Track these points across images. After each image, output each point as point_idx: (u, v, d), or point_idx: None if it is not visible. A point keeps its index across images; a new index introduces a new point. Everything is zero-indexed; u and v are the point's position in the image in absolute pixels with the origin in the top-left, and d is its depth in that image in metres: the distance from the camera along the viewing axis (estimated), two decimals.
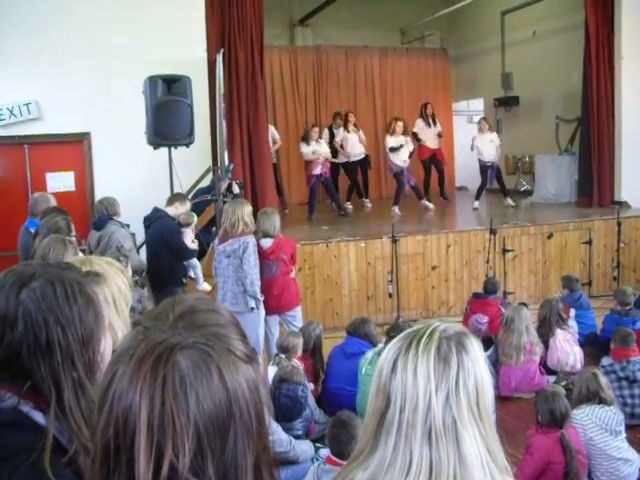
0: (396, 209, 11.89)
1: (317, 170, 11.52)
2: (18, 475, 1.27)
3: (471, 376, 1.43)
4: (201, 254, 7.61)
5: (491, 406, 1.48)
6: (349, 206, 12.88)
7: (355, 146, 12.60)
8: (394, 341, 1.51)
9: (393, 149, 11.74)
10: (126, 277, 2.23)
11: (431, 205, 12.21)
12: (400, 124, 11.92)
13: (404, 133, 11.94)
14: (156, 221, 6.80)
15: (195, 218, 7.31)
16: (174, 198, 7.13)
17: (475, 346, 1.48)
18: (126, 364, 1.01)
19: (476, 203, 12.35)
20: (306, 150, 11.53)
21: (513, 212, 11.87)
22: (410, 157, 12.04)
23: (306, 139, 11.60)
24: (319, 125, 13.36)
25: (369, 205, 13.16)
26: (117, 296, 2.09)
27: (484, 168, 12.20)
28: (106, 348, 1.50)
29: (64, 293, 1.44)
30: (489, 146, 12.06)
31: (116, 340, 1.91)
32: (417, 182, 12.37)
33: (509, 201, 12.37)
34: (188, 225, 7.09)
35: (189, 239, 7.10)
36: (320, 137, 11.97)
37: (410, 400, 1.41)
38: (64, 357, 1.40)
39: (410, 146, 12.00)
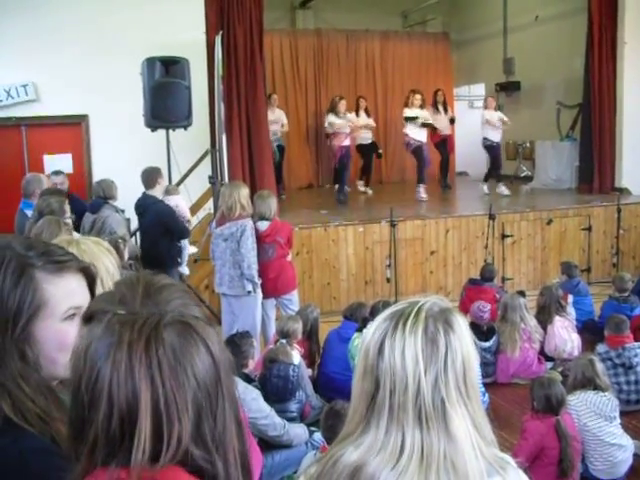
0: (421, 189, 11.40)
1: (346, 141, 11.45)
2: None
3: (458, 355, 1.42)
4: None
5: (477, 379, 1.48)
6: (369, 190, 12.82)
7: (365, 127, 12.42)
8: (379, 321, 1.48)
9: (408, 118, 11.38)
10: (114, 256, 2.21)
11: (424, 195, 11.47)
12: (418, 97, 11.58)
13: (421, 106, 11.62)
14: (151, 207, 6.78)
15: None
16: (152, 176, 7.06)
17: (461, 323, 1.47)
18: (117, 354, 1.01)
19: (504, 189, 11.93)
20: (337, 121, 11.35)
21: (513, 198, 11.80)
22: (426, 128, 11.68)
23: (335, 111, 11.47)
24: (319, 108, 13.33)
25: (370, 192, 12.98)
26: (104, 276, 2.06)
27: (491, 148, 11.96)
28: (61, 332, 1.46)
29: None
30: (497, 123, 11.86)
31: None
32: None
33: (502, 189, 11.93)
34: (177, 192, 7.29)
35: (183, 203, 7.28)
36: (347, 111, 11.76)
37: (399, 383, 1.40)
38: None
39: (428, 119, 11.63)
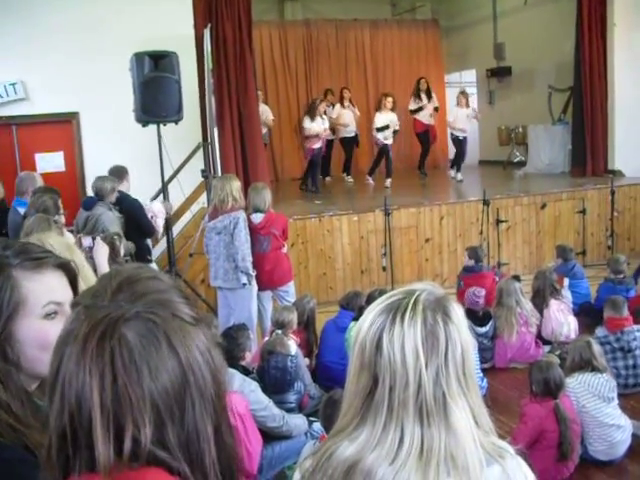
0: (370, 179, 12.49)
1: (317, 144, 11.61)
2: None
3: (458, 346, 1.40)
4: None
5: (474, 368, 1.46)
6: (350, 179, 13.14)
7: (350, 122, 12.63)
8: (374, 314, 1.44)
9: (378, 129, 11.83)
10: (77, 248, 2.21)
11: (372, 181, 12.52)
12: (389, 99, 11.94)
13: (392, 109, 11.95)
14: (123, 202, 6.75)
15: None
16: (122, 172, 7.04)
17: (458, 312, 1.45)
18: (71, 346, 0.98)
19: (459, 175, 12.46)
20: (309, 126, 11.54)
21: (507, 183, 11.84)
22: (394, 135, 12.16)
23: (312, 114, 11.57)
24: (309, 99, 13.33)
25: (351, 181, 13.18)
26: (78, 260, 2.07)
27: (456, 141, 12.41)
28: (42, 330, 1.44)
29: None
30: (464, 120, 12.14)
31: None
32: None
33: (456, 174, 12.53)
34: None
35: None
36: (324, 112, 11.95)
37: (400, 378, 1.37)
38: None
39: (396, 125, 12.04)
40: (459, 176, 12.42)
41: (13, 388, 1.37)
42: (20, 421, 1.34)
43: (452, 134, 12.50)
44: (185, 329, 1.02)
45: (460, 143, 12.36)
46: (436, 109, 12.99)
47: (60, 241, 2.12)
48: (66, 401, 0.97)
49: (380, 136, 11.83)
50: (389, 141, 11.96)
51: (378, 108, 12.05)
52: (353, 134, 12.80)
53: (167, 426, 0.97)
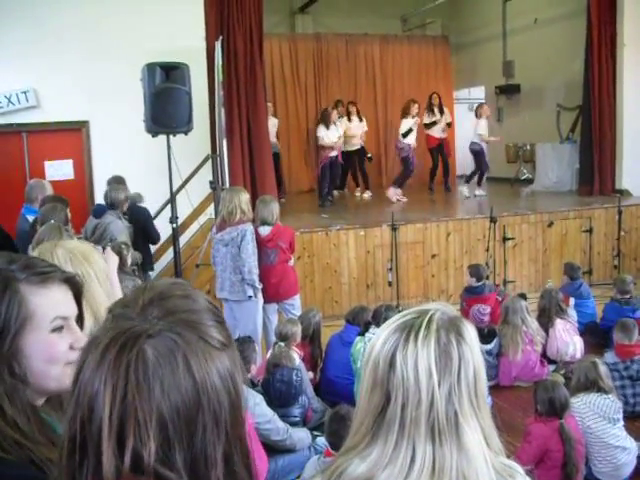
0: (392, 191, 11.98)
1: (333, 153, 11.65)
2: None
3: (470, 366, 1.40)
4: None
5: (485, 389, 1.47)
6: (367, 194, 13.05)
7: (355, 136, 12.67)
8: (388, 332, 1.45)
9: (404, 135, 11.78)
10: (99, 252, 2.21)
11: (395, 197, 12.03)
12: (416, 106, 12.02)
13: (415, 115, 12.02)
14: (132, 210, 6.83)
15: None
16: (122, 181, 7.11)
17: (471, 332, 1.45)
18: (93, 353, 0.99)
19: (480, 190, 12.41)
20: (323, 134, 11.57)
21: (514, 201, 11.84)
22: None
23: (326, 122, 11.61)
24: (319, 113, 13.38)
25: (367, 195, 13.11)
26: (97, 270, 2.07)
27: (481, 153, 12.40)
28: (50, 344, 1.44)
29: None
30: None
31: (99, 316, 1.89)
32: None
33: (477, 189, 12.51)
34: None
35: None
36: (336, 120, 11.99)
37: (412, 397, 1.37)
38: None
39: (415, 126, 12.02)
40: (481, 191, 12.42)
41: (19, 404, 1.36)
42: (26, 437, 1.33)
43: (477, 147, 12.36)
44: (208, 353, 1.01)
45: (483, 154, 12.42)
46: (449, 124, 13.01)
47: (78, 248, 2.13)
48: (79, 407, 0.97)
49: (407, 141, 11.78)
50: (413, 144, 11.90)
51: (405, 114, 11.98)
52: (356, 147, 12.80)
53: (174, 447, 0.96)
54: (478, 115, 12.38)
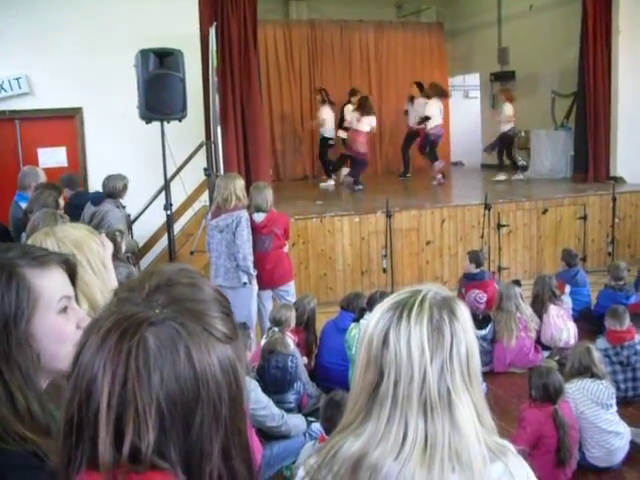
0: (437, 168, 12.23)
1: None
2: None
3: (463, 343, 1.42)
4: None
5: (478, 367, 1.48)
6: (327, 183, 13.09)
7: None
8: (381, 311, 1.47)
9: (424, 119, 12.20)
10: (96, 236, 2.20)
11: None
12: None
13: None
14: None
15: None
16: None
17: (464, 311, 1.47)
18: (94, 335, 0.97)
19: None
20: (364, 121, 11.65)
21: (509, 187, 11.84)
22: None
23: (367, 110, 11.69)
24: (313, 100, 13.35)
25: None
26: (90, 257, 2.07)
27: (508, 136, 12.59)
28: (59, 324, 1.46)
29: None
30: None
31: (94, 301, 1.91)
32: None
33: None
34: None
35: None
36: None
37: (405, 373, 1.39)
38: None
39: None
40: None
41: (34, 391, 1.38)
42: (36, 430, 1.34)
43: (511, 132, 12.56)
44: (211, 345, 0.99)
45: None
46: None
47: (69, 236, 2.12)
48: (78, 388, 0.96)
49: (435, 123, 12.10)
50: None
51: (428, 96, 12.27)
52: (329, 134, 12.87)
53: (171, 438, 0.95)
54: (503, 100, 12.54)
